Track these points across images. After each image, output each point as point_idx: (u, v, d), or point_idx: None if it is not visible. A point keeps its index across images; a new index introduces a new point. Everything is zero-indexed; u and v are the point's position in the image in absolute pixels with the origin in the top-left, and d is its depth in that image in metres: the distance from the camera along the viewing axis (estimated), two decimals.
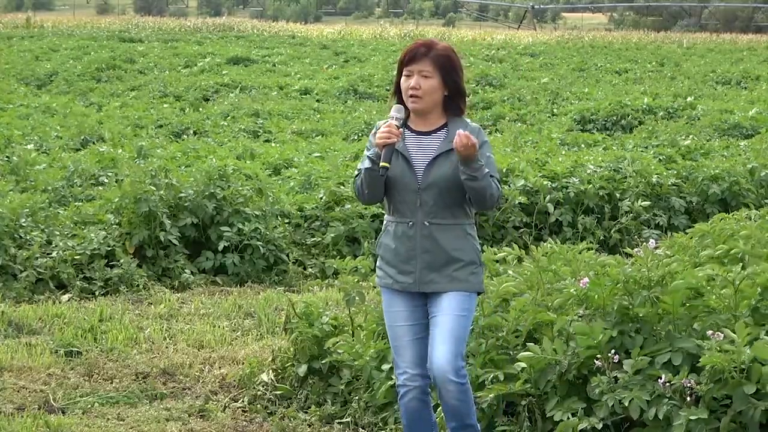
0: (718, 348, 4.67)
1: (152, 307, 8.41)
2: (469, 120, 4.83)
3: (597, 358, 4.99)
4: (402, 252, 4.73)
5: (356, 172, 4.80)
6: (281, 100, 22.48)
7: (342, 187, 10.54)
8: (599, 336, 5.01)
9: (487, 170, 4.63)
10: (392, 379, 5.64)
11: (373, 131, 4.77)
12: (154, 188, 9.41)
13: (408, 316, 4.76)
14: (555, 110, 21.12)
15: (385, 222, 4.84)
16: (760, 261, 5.49)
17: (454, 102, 4.76)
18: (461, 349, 4.67)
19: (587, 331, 5.04)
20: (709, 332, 4.80)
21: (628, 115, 19.13)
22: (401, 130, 4.68)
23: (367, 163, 4.69)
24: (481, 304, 5.48)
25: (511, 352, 5.41)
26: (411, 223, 4.71)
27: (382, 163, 4.63)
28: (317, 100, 22.80)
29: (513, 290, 5.64)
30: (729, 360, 4.63)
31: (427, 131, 4.76)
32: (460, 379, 4.64)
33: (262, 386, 6.37)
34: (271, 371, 6.45)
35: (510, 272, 5.91)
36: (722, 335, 4.75)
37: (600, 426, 4.92)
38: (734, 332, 4.73)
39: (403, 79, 4.74)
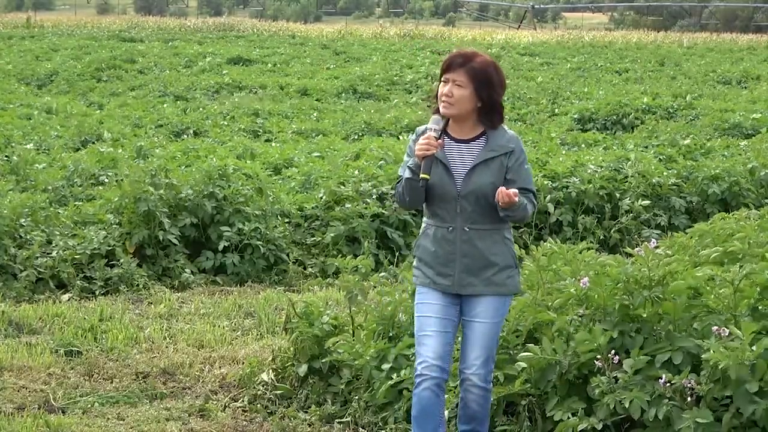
0: (723, 346, 4.66)
1: (152, 306, 8.41)
2: (506, 127, 4.88)
3: (597, 359, 4.99)
4: (441, 255, 4.80)
5: (398, 178, 4.88)
6: (281, 99, 22.46)
7: (342, 186, 10.52)
8: (599, 339, 5.02)
9: (525, 201, 4.72)
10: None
11: (413, 137, 4.85)
12: (153, 188, 9.41)
13: (440, 310, 4.81)
14: (555, 110, 21.11)
15: (424, 225, 4.91)
16: (757, 261, 5.48)
17: (487, 116, 4.80)
18: (493, 353, 4.84)
19: (587, 337, 5.05)
20: (714, 328, 4.81)
21: (629, 115, 19.13)
22: (440, 141, 4.74)
23: (407, 173, 4.76)
24: None
25: (511, 352, 5.42)
26: (451, 228, 4.78)
27: (422, 175, 4.71)
28: (317, 100, 22.79)
29: None
30: (734, 357, 4.63)
31: (465, 139, 4.82)
32: (486, 384, 4.82)
33: (262, 386, 6.36)
34: (271, 371, 6.44)
35: None
36: (728, 331, 4.75)
37: (600, 426, 4.92)
38: (739, 330, 4.73)
39: (441, 84, 4.81)
